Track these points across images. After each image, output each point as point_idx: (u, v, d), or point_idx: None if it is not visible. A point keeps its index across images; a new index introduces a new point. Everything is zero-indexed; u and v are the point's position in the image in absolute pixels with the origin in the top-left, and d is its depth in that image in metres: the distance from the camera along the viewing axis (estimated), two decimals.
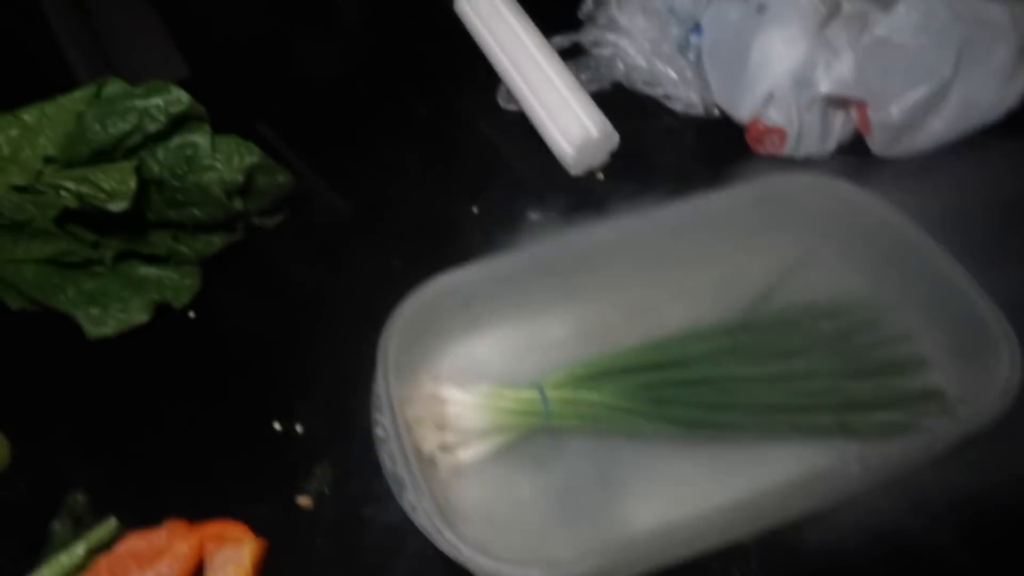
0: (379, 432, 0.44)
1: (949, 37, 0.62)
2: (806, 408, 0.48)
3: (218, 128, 0.56)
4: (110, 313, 0.54)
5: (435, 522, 0.39)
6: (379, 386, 0.45)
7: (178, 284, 0.56)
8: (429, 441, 0.46)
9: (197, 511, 0.46)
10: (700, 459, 0.48)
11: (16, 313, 0.55)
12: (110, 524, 0.46)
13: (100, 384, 0.53)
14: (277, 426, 0.51)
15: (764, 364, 0.50)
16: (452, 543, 0.39)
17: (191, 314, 0.57)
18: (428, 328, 0.50)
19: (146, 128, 0.52)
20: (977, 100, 0.64)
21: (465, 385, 0.48)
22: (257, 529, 0.46)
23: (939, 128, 0.64)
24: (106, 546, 0.45)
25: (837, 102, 0.65)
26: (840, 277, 0.57)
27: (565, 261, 0.53)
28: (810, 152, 0.67)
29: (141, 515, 0.46)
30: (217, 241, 0.58)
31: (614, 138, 0.65)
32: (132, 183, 0.49)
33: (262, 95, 0.73)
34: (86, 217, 0.52)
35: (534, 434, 0.48)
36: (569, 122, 0.64)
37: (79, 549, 0.44)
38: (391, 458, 0.42)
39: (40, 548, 0.45)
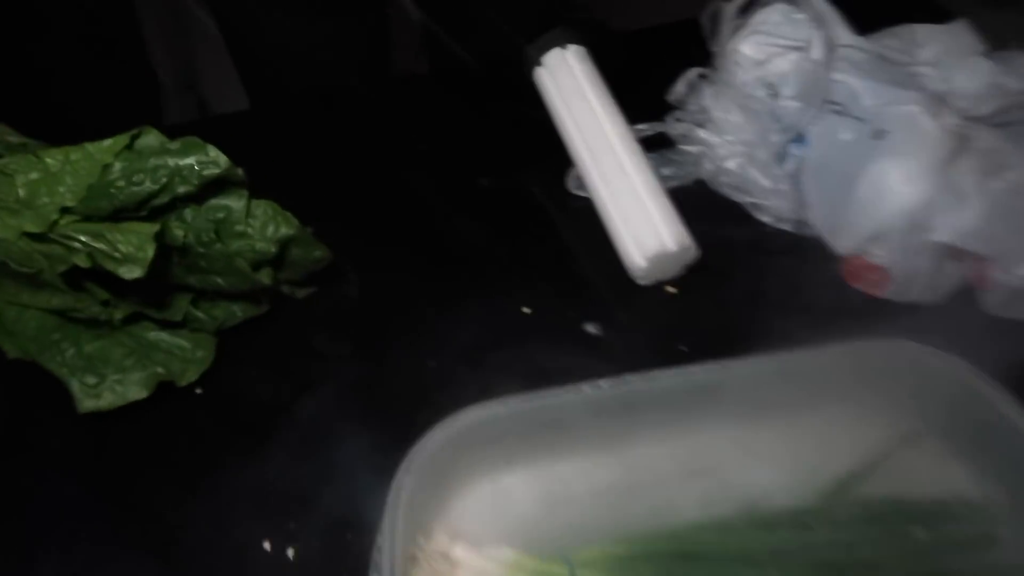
0: None
1: None
2: None
3: (256, 181, 0.51)
4: (107, 383, 0.48)
5: None
6: (384, 537, 0.39)
7: (188, 356, 0.51)
8: None
9: None
10: None
11: (10, 363, 0.51)
12: None
13: (83, 456, 0.48)
14: (267, 546, 0.45)
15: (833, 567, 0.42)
16: None
17: (198, 390, 0.52)
18: (452, 466, 0.44)
19: (176, 190, 0.47)
20: None
21: (484, 544, 0.41)
22: None
23: None
24: None
25: (958, 253, 0.57)
26: (941, 470, 0.49)
27: (619, 409, 0.47)
28: (912, 298, 0.59)
29: None
30: (239, 312, 0.53)
31: (692, 252, 0.59)
32: (150, 251, 0.44)
33: (311, 149, 0.68)
34: (98, 274, 0.47)
35: None
36: (643, 228, 0.58)
37: None
38: None
39: None
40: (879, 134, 0.58)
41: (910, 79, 0.62)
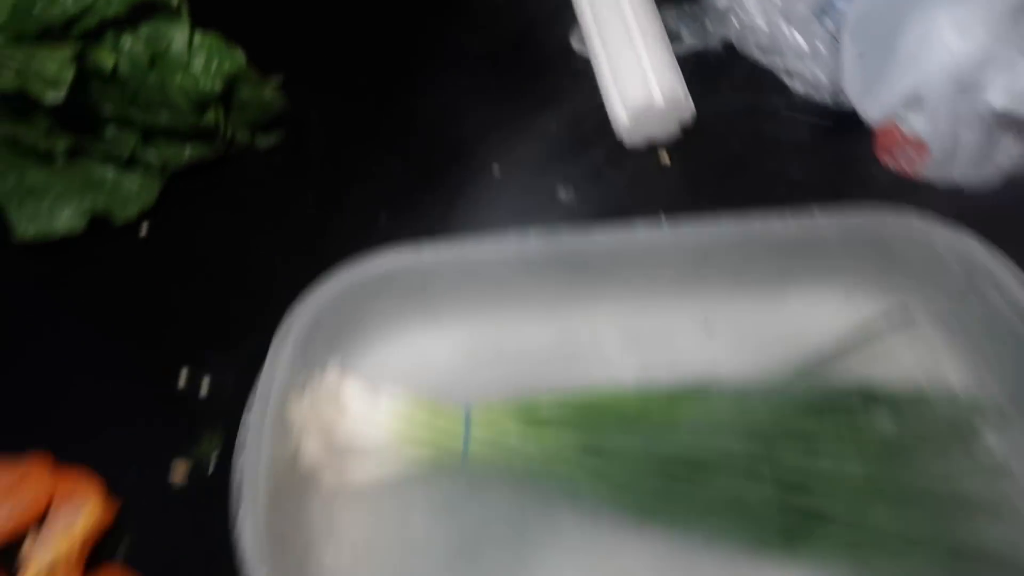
0: (246, 418, 0.38)
1: None
2: (822, 527, 0.37)
3: (207, 21, 0.51)
4: (42, 212, 0.51)
5: (257, 552, 0.33)
6: (267, 367, 0.39)
7: (130, 195, 0.53)
8: (314, 445, 0.39)
9: (69, 452, 0.43)
10: (655, 556, 0.38)
11: None
12: None
13: (14, 288, 0.51)
14: (182, 380, 0.47)
15: (780, 453, 0.39)
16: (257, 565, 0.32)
17: (142, 233, 0.54)
18: (365, 306, 0.44)
19: (103, 12, 0.47)
20: None
21: (382, 388, 0.41)
22: (117, 490, 0.42)
23: None
24: None
25: (1009, 123, 0.50)
26: (933, 357, 0.44)
27: (557, 265, 0.44)
28: (955, 176, 0.53)
29: (13, 441, 0.44)
30: (187, 152, 0.54)
31: (687, 110, 0.54)
32: (68, 74, 0.45)
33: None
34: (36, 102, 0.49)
35: (449, 470, 0.41)
36: (633, 82, 0.54)
37: None
38: (245, 458, 0.36)
39: None
40: None
41: None
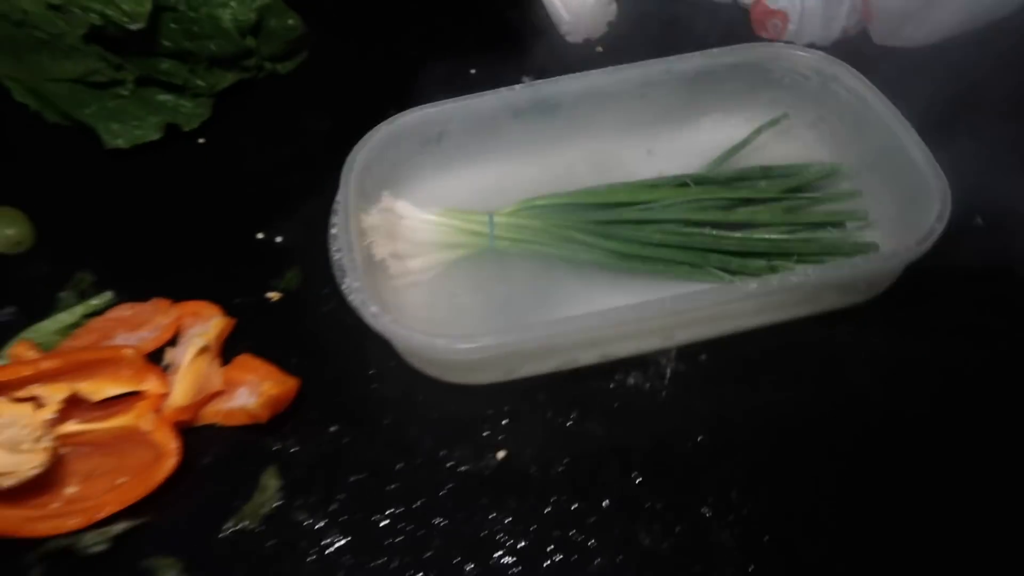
0: (333, 232, 0.51)
1: None
2: (739, 253, 0.53)
3: None
4: (127, 128, 0.63)
5: (362, 298, 0.47)
6: (340, 193, 0.52)
7: (190, 111, 0.65)
8: (381, 248, 0.53)
9: (182, 295, 0.55)
10: (632, 289, 0.53)
11: (51, 126, 0.65)
12: (106, 296, 0.56)
13: (115, 188, 0.63)
14: (260, 235, 0.60)
15: (707, 212, 0.54)
16: (373, 314, 0.46)
17: (200, 140, 0.66)
18: (399, 156, 0.57)
19: None
20: None
21: (423, 207, 0.55)
22: (229, 312, 0.54)
23: (943, 18, 0.66)
24: (100, 312, 0.55)
25: None
26: (807, 146, 0.60)
27: (535, 109, 0.59)
28: (813, 39, 0.70)
29: (135, 294, 0.56)
30: (230, 76, 0.67)
31: (612, 6, 0.70)
32: (148, 5, 0.58)
33: None
34: (111, 40, 0.61)
35: (481, 256, 0.55)
36: None
37: (77, 310, 0.54)
38: (338, 251, 0.50)
39: (49, 312, 0.56)
40: None
41: None
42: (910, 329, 0.53)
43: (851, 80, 0.57)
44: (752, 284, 0.46)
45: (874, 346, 0.52)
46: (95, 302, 0.55)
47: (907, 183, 0.52)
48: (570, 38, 0.71)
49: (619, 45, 0.73)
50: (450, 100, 0.58)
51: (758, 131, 0.59)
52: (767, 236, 0.53)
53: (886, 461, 0.47)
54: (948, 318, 0.53)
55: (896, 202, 0.54)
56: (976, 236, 0.57)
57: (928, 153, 0.51)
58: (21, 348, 0.50)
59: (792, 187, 0.56)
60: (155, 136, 0.63)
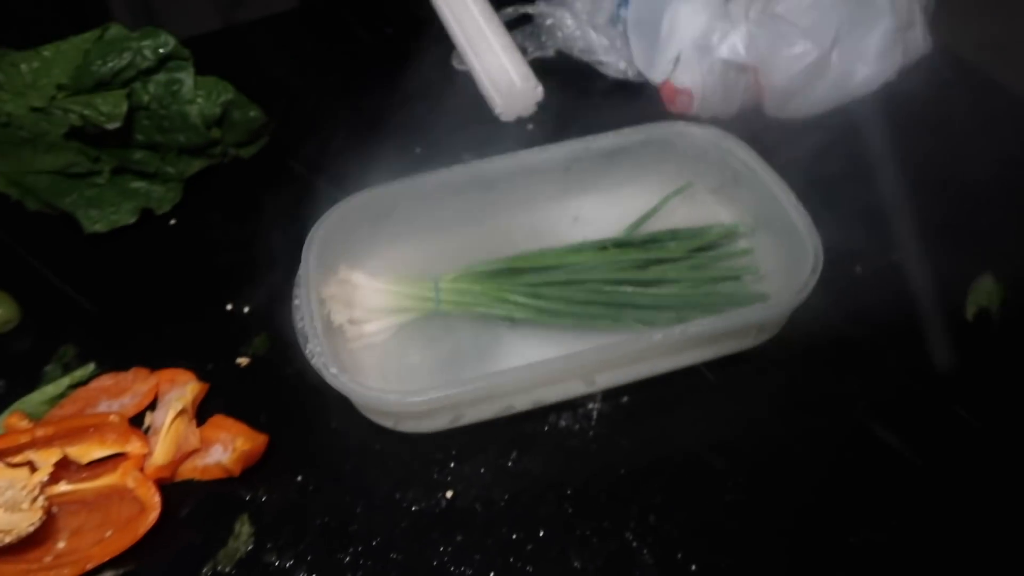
0: (296, 302, 0.57)
1: (832, 15, 0.73)
2: (652, 307, 0.60)
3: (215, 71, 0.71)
4: (104, 214, 0.68)
5: (323, 361, 0.52)
6: (301, 267, 0.58)
7: (162, 196, 0.71)
8: (339, 314, 0.59)
9: (159, 363, 0.61)
10: (562, 341, 0.60)
11: (33, 213, 0.71)
12: (89, 367, 0.60)
13: (95, 269, 0.68)
14: (229, 307, 0.65)
15: (624, 272, 0.62)
16: (333, 375, 0.52)
17: (172, 221, 0.72)
18: (354, 231, 0.64)
19: (138, 64, 0.66)
20: (855, 73, 0.75)
21: (376, 276, 0.61)
22: (203, 377, 0.60)
23: (821, 94, 0.75)
24: (84, 383, 0.60)
25: (738, 68, 0.77)
26: (710, 210, 0.68)
27: (474, 185, 0.66)
28: (715, 112, 0.79)
29: (116, 364, 0.61)
30: (197, 163, 0.73)
31: (538, 89, 0.78)
32: (123, 106, 0.64)
33: (253, 53, 0.88)
34: (89, 137, 0.67)
35: (429, 317, 0.61)
36: (499, 75, 0.77)
37: (63, 382, 0.59)
38: (301, 319, 0.56)
39: (36, 385, 0.60)
40: None
41: None
42: (800, 366, 0.60)
43: (742, 152, 0.65)
44: (659, 334, 0.53)
45: (769, 382, 0.59)
46: (79, 373, 0.60)
47: (790, 241, 0.60)
48: (503, 117, 0.79)
49: (547, 122, 0.80)
50: (398, 181, 0.64)
51: (667, 198, 0.67)
52: (676, 291, 0.61)
53: (779, 485, 0.54)
54: (834, 353, 0.61)
55: (782, 257, 0.62)
56: (855, 282, 0.65)
57: (805, 215, 0.59)
58: (14, 419, 0.54)
59: (697, 247, 0.64)
60: (130, 220, 0.69)
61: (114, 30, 0.67)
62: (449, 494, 0.54)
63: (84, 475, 0.53)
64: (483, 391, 0.53)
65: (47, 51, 0.66)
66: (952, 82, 0.83)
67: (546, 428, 0.57)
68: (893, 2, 0.75)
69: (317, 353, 0.53)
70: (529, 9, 0.87)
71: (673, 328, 0.54)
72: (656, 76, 0.79)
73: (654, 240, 0.65)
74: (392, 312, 0.61)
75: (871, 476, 0.55)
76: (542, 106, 0.80)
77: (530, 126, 0.80)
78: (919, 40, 0.78)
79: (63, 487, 0.52)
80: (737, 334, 0.58)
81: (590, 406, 0.58)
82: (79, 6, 1.11)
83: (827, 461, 0.55)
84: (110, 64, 0.66)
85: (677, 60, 0.77)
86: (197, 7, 1.22)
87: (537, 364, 0.52)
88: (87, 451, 0.53)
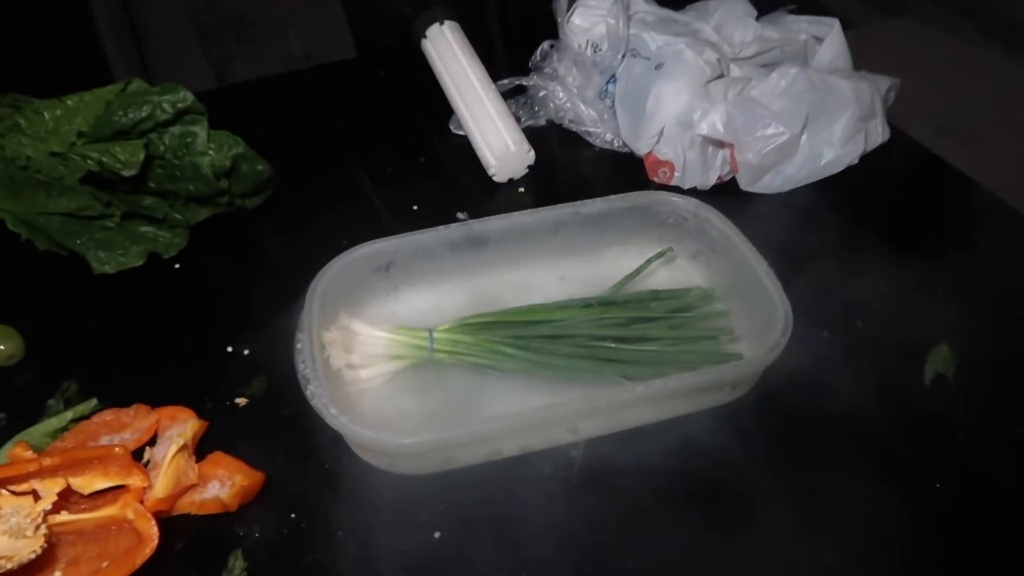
0: (298, 346, 0.60)
1: (802, 102, 0.80)
2: (633, 362, 0.64)
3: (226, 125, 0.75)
4: (113, 256, 0.71)
5: (324, 402, 0.55)
6: (304, 312, 0.61)
7: (169, 241, 0.74)
8: (338, 359, 0.62)
9: (160, 401, 0.62)
10: (548, 391, 0.63)
11: (43, 253, 0.73)
12: (91, 402, 0.62)
13: (100, 308, 0.71)
14: (230, 349, 0.68)
15: (608, 329, 0.65)
16: (333, 415, 0.54)
17: (177, 265, 0.75)
18: (354, 282, 0.67)
19: (157, 117, 0.70)
20: (822, 154, 0.81)
21: (374, 324, 0.64)
22: (203, 415, 0.61)
23: (791, 173, 0.81)
24: (86, 417, 0.61)
25: (715, 144, 0.82)
26: (688, 274, 0.73)
27: (468, 243, 0.70)
28: (695, 183, 0.84)
29: (117, 400, 0.63)
30: (204, 211, 0.76)
31: (531, 153, 0.83)
32: (140, 156, 0.67)
33: (262, 109, 0.92)
34: (103, 182, 0.70)
35: (423, 365, 0.64)
36: (494, 139, 0.82)
37: (67, 415, 0.61)
38: (303, 362, 0.58)
39: (38, 418, 0.62)
40: (659, 66, 0.83)
41: (689, 32, 0.88)
42: (772, 421, 0.64)
43: (719, 222, 0.70)
44: (639, 387, 0.57)
45: (742, 437, 0.62)
46: (81, 408, 0.62)
47: (762, 305, 0.64)
48: (496, 179, 0.83)
49: (539, 184, 0.85)
50: (397, 236, 0.68)
51: (649, 262, 0.71)
52: (655, 348, 0.64)
53: (752, 534, 0.57)
54: (803, 410, 0.65)
55: (755, 320, 0.66)
56: (823, 345, 0.70)
57: (776, 281, 0.64)
58: (19, 449, 0.56)
59: (676, 308, 0.68)
60: (138, 263, 0.71)
61: (136, 84, 0.71)
62: (437, 535, 0.56)
63: (85, 506, 0.55)
64: (473, 436, 0.55)
65: (71, 100, 0.70)
66: (908, 165, 0.89)
67: (531, 474, 0.60)
68: (857, 94, 0.81)
69: (318, 395, 0.56)
70: (524, 81, 0.93)
71: (652, 382, 0.57)
72: (640, 148, 0.85)
73: (636, 300, 0.68)
74: (388, 359, 0.64)
75: (846, 524, 0.58)
76: (534, 170, 0.85)
77: (521, 188, 0.85)
78: (879, 129, 0.84)
79: (64, 517, 0.53)
80: (711, 390, 0.61)
81: (573, 454, 0.61)
82: (81, 65, 1.16)
83: (800, 510, 0.58)
84: (131, 115, 0.69)
85: (660, 134, 0.82)
86: (191, 64, 1.27)
87: (524, 412, 0.55)
88: (90, 482, 0.55)
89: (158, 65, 1.99)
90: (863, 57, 0.90)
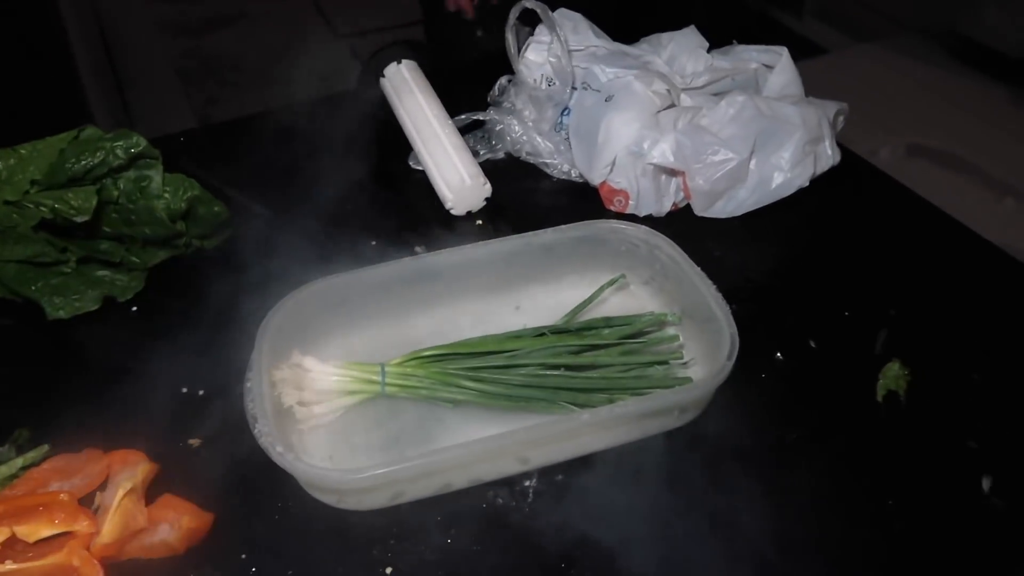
0: (247, 385, 0.60)
1: (750, 128, 0.81)
2: (585, 390, 0.64)
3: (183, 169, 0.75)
4: (68, 301, 0.71)
5: (271, 440, 0.55)
6: (254, 352, 0.61)
7: (125, 284, 0.74)
8: (289, 396, 0.62)
9: (113, 444, 0.62)
10: (501, 421, 0.63)
11: None
12: (42, 448, 0.62)
13: (53, 353, 0.70)
14: (184, 390, 0.67)
15: (560, 357, 0.65)
16: (279, 453, 0.54)
17: (134, 308, 0.74)
18: (307, 319, 0.67)
19: (110, 163, 0.70)
20: (772, 178, 0.82)
21: (327, 360, 0.64)
22: (154, 457, 0.61)
23: (743, 197, 0.82)
24: (37, 464, 0.61)
25: (668, 172, 0.83)
26: (640, 300, 0.73)
27: (423, 276, 0.70)
28: (649, 211, 0.85)
29: (69, 445, 0.62)
30: (161, 254, 0.76)
31: (487, 186, 0.84)
32: (93, 202, 0.68)
33: (224, 150, 0.93)
34: (58, 228, 0.70)
35: (375, 400, 0.64)
36: (451, 173, 0.83)
37: (17, 463, 0.60)
38: (251, 401, 0.58)
39: None
40: (609, 98, 0.85)
41: (640, 64, 0.89)
42: (723, 443, 0.63)
43: (669, 249, 0.70)
44: (587, 415, 0.57)
45: (694, 459, 0.62)
46: (32, 455, 0.61)
47: (711, 330, 0.64)
48: (454, 212, 0.84)
49: (497, 216, 0.86)
50: (351, 272, 0.68)
51: (601, 289, 0.71)
52: (607, 375, 0.64)
53: (705, 560, 0.57)
54: (757, 431, 0.65)
55: (705, 344, 0.66)
56: (777, 365, 0.70)
57: (724, 305, 0.64)
58: None
59: (627, 334, 0.68)
60: (93, 307, 0.71)
61: (89, 131, 0.71)
62: (388, 571, 0.55)
63: (31, 554, 0.54)
64: (421, 468, 0.55)
65: (24, 149, 0.70)
66: (859, 186, 0.90)
67: (484, 505, 0.59)
68: (804, 120, 0.82)
69: (264, 433, 0.55)
70: (481, 116, 0.94)
71: (600, 409, 0.57)
72: (595, 178, 0.85)
73: (589, 327, 0.69)
74: (340, 395, 0.63)
75: (801, 543, 0.57)
76: (492, 202, 0.86)
77: (479, 221, 0.85)
78: (828, 152, 0.85)
79: (9, 566, 0.52)
80: (661, 414, 0.61)
81: (527, 483, 0.60)
82: (62, 107, 1.17)
83: (751, 533, 0.58)
84: (83, 162, 0.70)
85: (613, 164, 0.83)
86: (173, 106, 1.29)
87: (471, 443, 0.55)
88: (36, 530, 0.54)
89: (140, 110, 2.03)
90: (832, 83, 0.92)
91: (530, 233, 0.72)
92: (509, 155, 0.94)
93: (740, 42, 0.95)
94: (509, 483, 0.60)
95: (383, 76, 0.93)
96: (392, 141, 0.93)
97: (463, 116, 0.93)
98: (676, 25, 0.96)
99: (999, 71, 1.64)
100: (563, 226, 0.73)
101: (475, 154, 0.90)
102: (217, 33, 2.42)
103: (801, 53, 0.97)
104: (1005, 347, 0.72)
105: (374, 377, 0.63)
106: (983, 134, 1.47)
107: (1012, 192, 1.23)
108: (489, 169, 0.88)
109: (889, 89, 1.63)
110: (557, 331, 0.68)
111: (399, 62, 0.93)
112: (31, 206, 0.69)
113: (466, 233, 0.84)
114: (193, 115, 2.01)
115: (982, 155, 1.38)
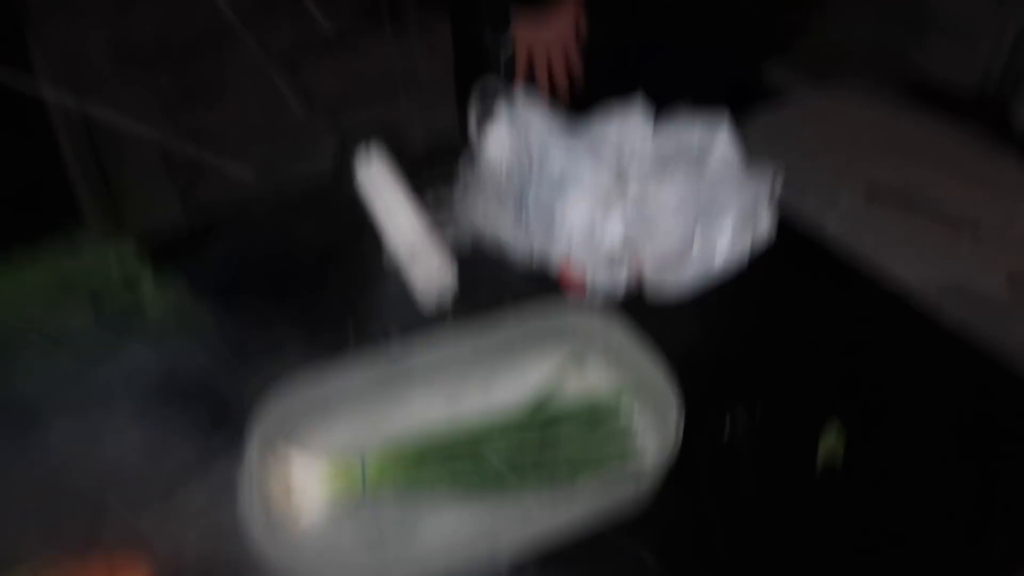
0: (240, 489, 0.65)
1: (691, 212, 0.88)
2: (550, 465, 0.70)
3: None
4: None
5: (263, 538, 0.60)
6: (246, 465, 0.67)
7: None
8: (278, 502, 0.67)
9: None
10: (481, 507, 0.69)
11: None
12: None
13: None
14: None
15: (527, 437, 0.72)
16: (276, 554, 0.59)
17: None
18: (292, 415, 0.72)
19: None
20: (713, 255, 0.89)
21: (316, 455, 0.70)
22: (154, 563, 0.66)
23: (690, 276, 0.89)
24: None
25: (620, 257, 0.90)
26: (599, 378, 0.80)
27: (397, 375, 0.76)
28: (604, 295, 0.91)
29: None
30: None
31: (453, 272, 0.90)
32: None
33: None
34: None
35: (357, 493, 0.69)
36: (422, 271, 0.90)
37: None
38: (248, 507, 0.64)
39: None
40: (562, 186, 0.92)
41: (593, 148, 0.96)
42: (677, 512, 0.69)
43: (620, 331, 0.77)
44: (546, 499, 0.63)
45: (652, 529, 0.68)
46: None
47: (661, 404, 0.71)
48: (424, 298, 0.90)
49: (464, 299, 0.91)
50: (332, 372, 0.74)
51: (564, 371, 0.78)
52: (569, 452, 0.71)
53: None
54: (710, 500, 0.71)
55: (657, 417, 0.73)
56: (726, 437, 0.76)
57: (672, 383, 0.71)
58: None
59: (586, 410, 0.75)
60: None
61: None
62: None
63: None
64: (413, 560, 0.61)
65: None
66: (800, 261, 0.98)
67: None
68: (741, 190, 0.90)
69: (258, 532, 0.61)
70: (450, 200, 1.01)
71: (553, 496, 0.64)
72: (553, 264, 0.92)
73: (551, 413, 0.75)
74: (324, 486, 0.69)
75: None
76: (460, 286, 0.92)
77: (448, 306, 0.91)
78: (765, 222, 0.93)
79: None
80: (619, 486, 0.67)
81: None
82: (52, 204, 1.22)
83: None
84: None
85: (569, 251, 0.90)
86: (156, 189, 1.33)
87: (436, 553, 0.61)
88: None
89: (124, 193, 2.08)
90: (787, 132, 0.99)
91: (494, 327, 0.79)
92: (476, 240, 1.00)
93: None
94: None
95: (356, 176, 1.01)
96: (369, 231, 0.99)
97: (431, 201, 1.00)
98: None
99: (953, 111, 1.72)
100: (525, 316, 0.80)
101: (442, 239, 0.96)
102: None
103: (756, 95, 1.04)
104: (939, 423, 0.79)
105: (356, 469, 0.69)
106: (941, 174, 1.55)
107: (971, 229, 1.27)
108: (456, 253, 0.94)
109: (845, 134, 1.71)
110: (525, 412, 0.75)
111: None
112: None
113: (436, 323, 0.90)
114: (177, 195, 2.08)
115: (941, 194, 1.45)
